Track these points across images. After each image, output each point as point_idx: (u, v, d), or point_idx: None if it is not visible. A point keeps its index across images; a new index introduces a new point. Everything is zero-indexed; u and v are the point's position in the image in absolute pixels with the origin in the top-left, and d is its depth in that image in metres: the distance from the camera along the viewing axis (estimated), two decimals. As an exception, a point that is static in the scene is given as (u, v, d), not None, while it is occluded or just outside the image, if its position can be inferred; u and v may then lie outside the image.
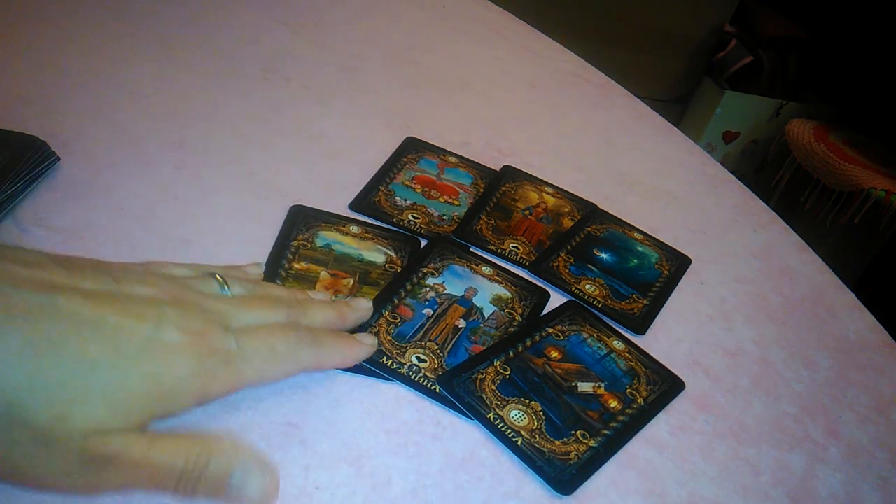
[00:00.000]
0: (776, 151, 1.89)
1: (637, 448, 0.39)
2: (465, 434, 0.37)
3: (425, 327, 0.42)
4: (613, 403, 0.41)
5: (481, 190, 0.56)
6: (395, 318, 0.42)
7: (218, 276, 0.34)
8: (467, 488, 0.35)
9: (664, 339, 0.47)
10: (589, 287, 0.49)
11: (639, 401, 0.42)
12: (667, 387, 0.43)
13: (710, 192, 0.65)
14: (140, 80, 0.58)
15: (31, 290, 0.25)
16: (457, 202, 0.54)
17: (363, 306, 0.40)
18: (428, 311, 0.43)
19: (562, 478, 0.36)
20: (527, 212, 0.55)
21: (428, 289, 0.45)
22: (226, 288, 0.34)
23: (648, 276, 0.52)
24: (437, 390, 0.39)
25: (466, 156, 0.59)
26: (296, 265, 0.44)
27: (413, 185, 0.54)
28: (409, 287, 0.45)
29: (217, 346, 0.30)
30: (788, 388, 0.46)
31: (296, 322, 0.35)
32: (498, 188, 0.56)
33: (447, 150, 0.59)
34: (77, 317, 0.26)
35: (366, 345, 0.38)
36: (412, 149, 0.58)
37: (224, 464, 0.28)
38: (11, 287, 0.25)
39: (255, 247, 0.45)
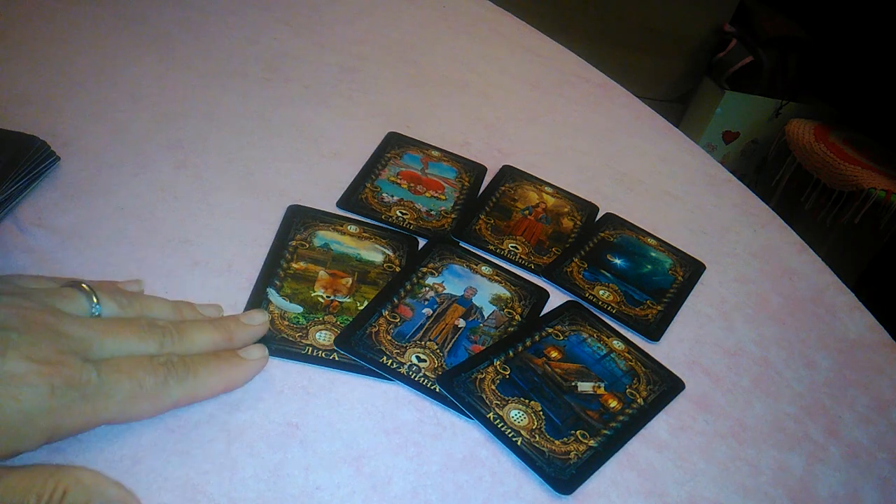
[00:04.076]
0: (776, 151, 1.89)
1: (637, 448, 0.39)
2: (465, 434, 0.37)
3: (425, 327, 0.42)
4: (613, 403, 0.41)
5: (466, 184, 0.56)
6: (394, 317, 0.42)
7: (86, 286, 0.31)
8: (467, 488, 0.35)
9: (664, 339, 0.47)
10: (603, 293, 0.49)
11: (638, 401, 0.42)
12: (666, 387, 0.43)
13: (710, 192, 0.65)
14: (140, 80, 0.58)
15: None
16: (443, 196, 0.54)
17: (257, 320, 0.35)
18: (427, 311, 0.43)
19: (562, 477, 0.36)
20: (526, 212, 0.55)
21: (427, 288, 0.45)
22: (94, 300, 0.30)
23: (662, 282, 0.52)
24: (437, 390, 0.39)
25: (466, 155, 0.59)
26: (294, 265, 0.44)
27: (399, 181, 0.54)
28: (408, 286, 0.45)
29: (73, 378, 0.26)
30: (788, 388, 0.46)
31: (169, 352, 0.31)
32: (497, 188, 0.56)
33: (429, 145, 0.59)
34: None
35: (252, 360, 0.33)
36: (394, 144, 0.58)
37: (82, 498, 0.26)
38: None
39: (255, 246, 0.45)
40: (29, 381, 0.25)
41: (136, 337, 0.30)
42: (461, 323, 0.43)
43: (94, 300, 0.30)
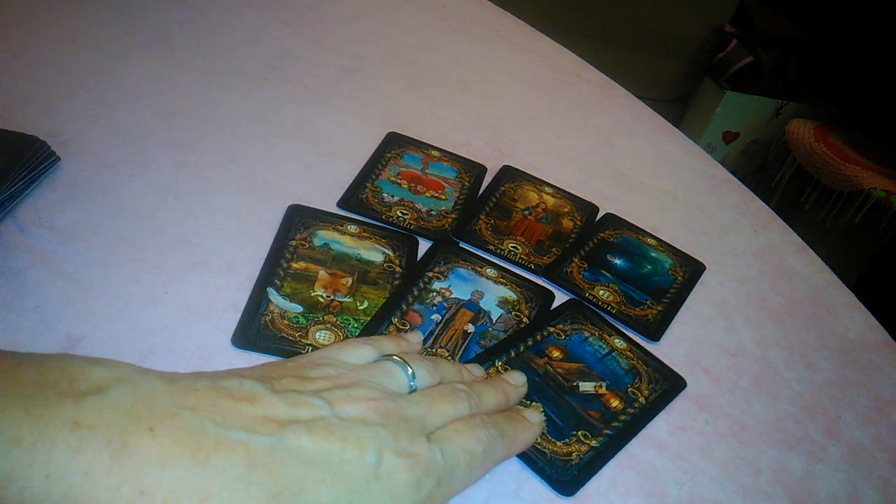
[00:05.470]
0: (776, 151, 1.89)
1: (637, 448, 0.39)
2: (465, 434, 0.37)
3: (435, 333, 0.42)
4: (615, 403, 0.41)
5: (466, 184, 0.56)
6: (404, 324, 0.42)
7: (398, 357, 0.32)
8: (467, 488, 0.35)
9: (664, 339, 0.47)
10: (602, 293, 0.49)
11: (640, 400, 0.42)
12: (668, 385, 0.43)
13: (710, 192, 0.65)
14: (140, 79, 0.58)
15: (263, 434, 0.24)
16: (443, 196, 0.54)
17: (520, 381, 0.38)
18: (436, 317, 0.43)
19: (563, 479, 0.36)
20: (526, 212, 0.55)
21: (435, 293, 0.45)
22: (409, 371, 0.32)
23: (662, 282, 0.52)
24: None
25: (466, 155, 0.59)
26: (294, 265, 0.44)
27: (399, 181, 0.54)
28: (416, 292, 0.45)
29: (429, 465, 0.28)
30: (788, 388, 0.46)
31: (479, 415, 0.32)
32: (497, 188, 0.56)
33: (429, 144, 0.59)
34: (306, 455, 0.25)
35: (536, 424, 0.36)
36: (395, 144, 0.58)
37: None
38: (246, 433, 0.24)
39: (255, 246, 0.45)
40: (401, 478, 0.26)
41: (451, 406, 0.31)
42: (470, 328, 0.43)
43: (410, 371, 0.32)
